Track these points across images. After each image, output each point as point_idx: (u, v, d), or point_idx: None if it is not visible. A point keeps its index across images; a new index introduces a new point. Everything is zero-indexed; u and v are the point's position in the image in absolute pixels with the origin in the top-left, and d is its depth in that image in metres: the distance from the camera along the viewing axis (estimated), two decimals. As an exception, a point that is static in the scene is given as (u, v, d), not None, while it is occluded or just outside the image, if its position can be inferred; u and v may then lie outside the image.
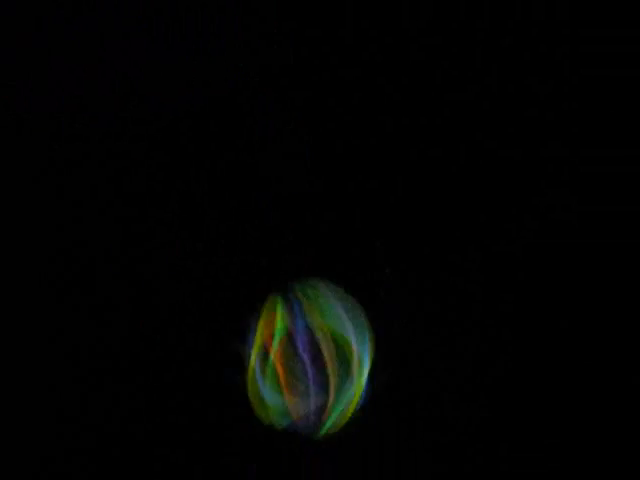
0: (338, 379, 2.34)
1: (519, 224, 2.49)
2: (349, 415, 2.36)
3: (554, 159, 2.50)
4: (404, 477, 2.44)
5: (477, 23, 2.51)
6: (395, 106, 2.51)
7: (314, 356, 2.34)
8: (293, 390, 2.34)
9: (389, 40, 2.52)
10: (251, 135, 2.51)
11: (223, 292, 2.46)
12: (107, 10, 2.50)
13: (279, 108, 2.50)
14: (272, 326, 2.37)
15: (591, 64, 2.48)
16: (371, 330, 2.39)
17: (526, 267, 2.49)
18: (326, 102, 2.52)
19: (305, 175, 2.50)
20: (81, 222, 2.48)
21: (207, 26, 2.51)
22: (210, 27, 2.51)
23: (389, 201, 2.50)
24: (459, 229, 2.49)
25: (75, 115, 2.49)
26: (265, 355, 2.36)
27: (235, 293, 2.45)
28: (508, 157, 2.51)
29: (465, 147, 2.51)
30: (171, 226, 2.49)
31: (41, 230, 2.48)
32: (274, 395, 2.35)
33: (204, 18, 2.51)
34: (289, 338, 2.36)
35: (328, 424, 2.35)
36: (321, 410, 2.33)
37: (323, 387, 2.33)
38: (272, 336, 2.36)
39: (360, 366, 2.36)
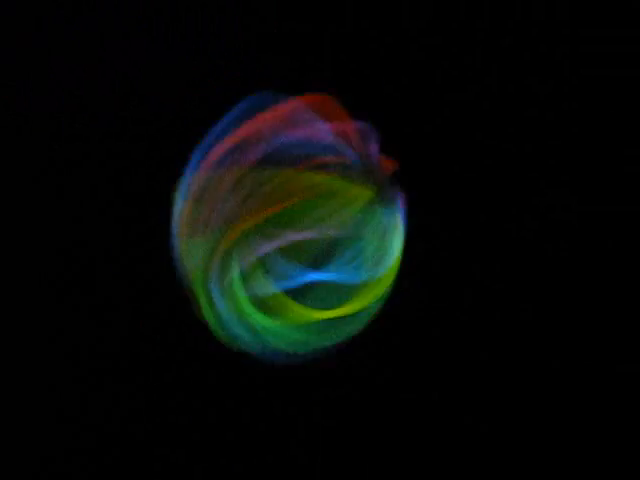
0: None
1: (519, 224, 2.49)
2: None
3: (554, 159, 2.50)
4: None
5: (477, 23, 2.51)
6: (395, 106, 2.51)
7: None
8: None
9: (389, 40, 2.52)
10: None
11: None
12: (107, 10, 2.50)
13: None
14: None
15: (591, 64, 2.48)
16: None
17: (526, 267, 2.49)
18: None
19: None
20: (81, 222, 2.48)
21: (207, 26, 2.51)
22: (210, 27, 2.51)
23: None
24: (459, 229, 2.49)
25: (75, 115, 2.49)
26: None
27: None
28: (508, 157, 2.51)
29: (465, 147, 2.50)
30: (171, 225, 2.49)
31: (41, 230, 2.47)
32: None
33: (204, 18, 2.51)
34: None
35: None
36: None
37: None
38: None
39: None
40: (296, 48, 2.51)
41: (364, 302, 2.16)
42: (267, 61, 2.50)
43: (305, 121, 2.10)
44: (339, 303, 2.14)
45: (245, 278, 2.11)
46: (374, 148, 2.13)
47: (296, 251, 2.10)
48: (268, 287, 2.10)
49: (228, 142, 2.14)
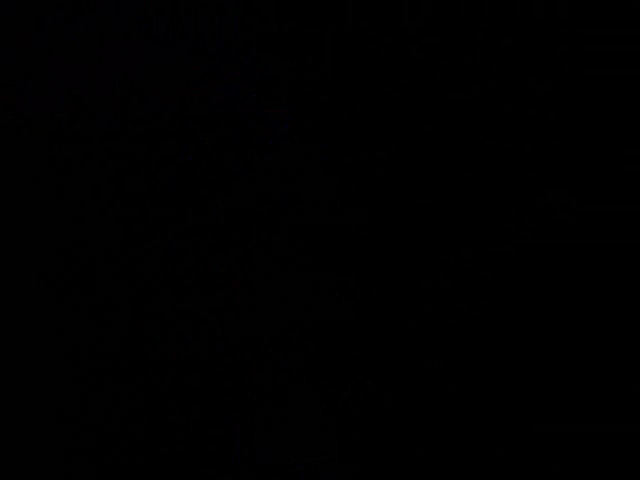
0: None
1: (519, 224, 2.50)
2: None
3: (554, 159, 2.51)
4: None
5: (477, 23, 2.51)
6: (395, 106, 2.51)
7: None
8: None
9: (389, 40, 2.52)
10: (252, 136, 2.51)
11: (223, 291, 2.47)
12: (107, 10, 2.50)
13: (279, 109, 2.50)
14: None
15: (591, 64, 2.49)
16: None
17: (526, 267, 2.49)
18: (326, 102, 2.52)
19: (308, 184, 2.50)
20: (81, 222, 2.48)
21: (207, 26, 2.51)
22: (210, 27, 2.51)
23: (389, 201, 2.50)
24: (458, 229, 2.50)
25: (75, 115, 2.50)
26: None
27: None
28: (508, 157, 2.51)
29: (465, 147, 2.51)
30: (171, 226, 2.49)
31: (41, 230, 2.48)
32: None
33: (204, 18, 2.51)
34: None
35: None
36: None
37: None
38: None
39: None
40: (296, 48, 2.51)
41: None
42: (267, 61, 2.50)
43: None
44: None
45: None
46: None
47: None
48: None
49: None
